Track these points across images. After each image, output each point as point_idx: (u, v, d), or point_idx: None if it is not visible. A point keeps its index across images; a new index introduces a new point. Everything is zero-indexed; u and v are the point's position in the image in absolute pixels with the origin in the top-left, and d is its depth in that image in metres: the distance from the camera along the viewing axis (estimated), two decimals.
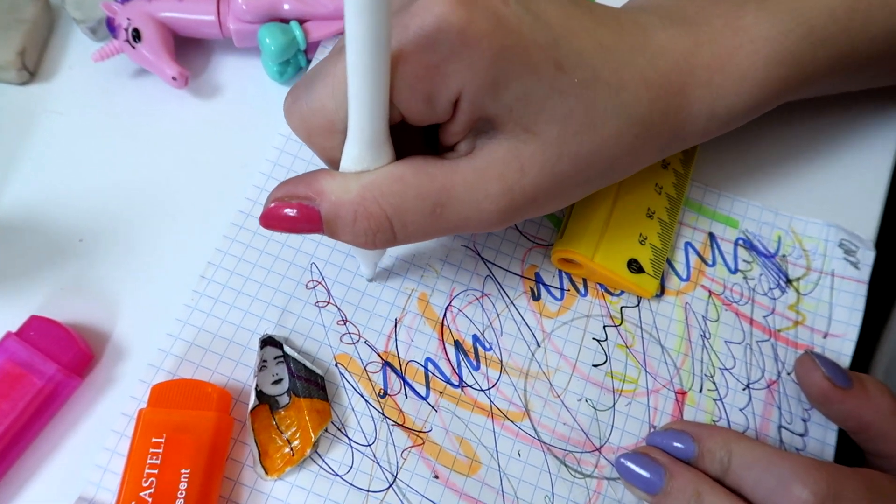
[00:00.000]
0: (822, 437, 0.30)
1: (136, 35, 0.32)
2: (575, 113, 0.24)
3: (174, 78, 0.32)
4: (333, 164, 0.24)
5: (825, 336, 0.32)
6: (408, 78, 0.21)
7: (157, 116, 0.34)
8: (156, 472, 0.25)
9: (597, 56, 0.24)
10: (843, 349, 0.31)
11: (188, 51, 0.35)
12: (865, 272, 0.32)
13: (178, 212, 0.32)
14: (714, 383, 0.30)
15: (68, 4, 0.34)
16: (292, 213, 0.23)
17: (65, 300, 0.30)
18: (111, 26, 0.33)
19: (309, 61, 0.34)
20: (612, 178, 0.27)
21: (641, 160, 0.27)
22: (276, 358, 0.29)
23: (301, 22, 0.33)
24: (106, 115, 0.34)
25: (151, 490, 0.25)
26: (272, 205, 0.24)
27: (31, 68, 0.34)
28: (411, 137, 0.25)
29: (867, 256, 0.32)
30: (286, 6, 0.33)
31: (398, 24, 0.21)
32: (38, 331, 0.28)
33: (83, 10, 0.34)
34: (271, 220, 0.24)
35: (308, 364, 0.28)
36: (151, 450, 0.25)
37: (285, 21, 0.33)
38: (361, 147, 0.22)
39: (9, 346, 0.27)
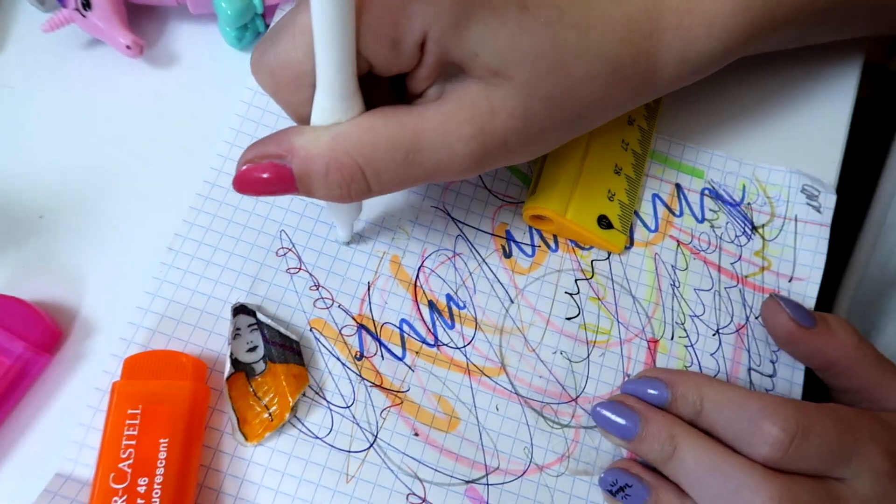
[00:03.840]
0: (790, 377, 0.31)
1: (86, 3, 0.31)
2: (543, 54, 0.24)
3: (128, 47, 0.32)
4: (303, 121, 0.24)
5: (790, 280, 0.32)
6: (372, 24, 0.21)
7: (113, 88, 0.33)
8: (133, 443, 0.25)
9: None
10: (807, 291, 0.32)
11: (141, 19, 0.34)
12: (828, 216, 0.33)
13: (141, 184, 0.31)
14: (685, 330, 0.31)
15: None
16: (264, 174, 0.23)
17: (29, 278, 0.29)
18: None
19: (267, 25, 0.33)
20: (584, 125, 0.27)
21: (613, 106, 0.27)
22: (249, 325, 0.29)
23: None
24: (60, 87, 0.33)
25: (130, 461, 0.25)
26: (244, 167, 0.23)
27: None
28: (380, 89, 0.25)
29: (829, 200, 0.33)
30: None
31: None
32: (2, 309, 0.27)
33: None
34: (243, 183, 0.23)
35: (282, 330, 0.28)
36: (128, 421, 0.25)
37: None
38: (332, 99, 0.22)
39: None
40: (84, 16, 0.31)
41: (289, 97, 0.23)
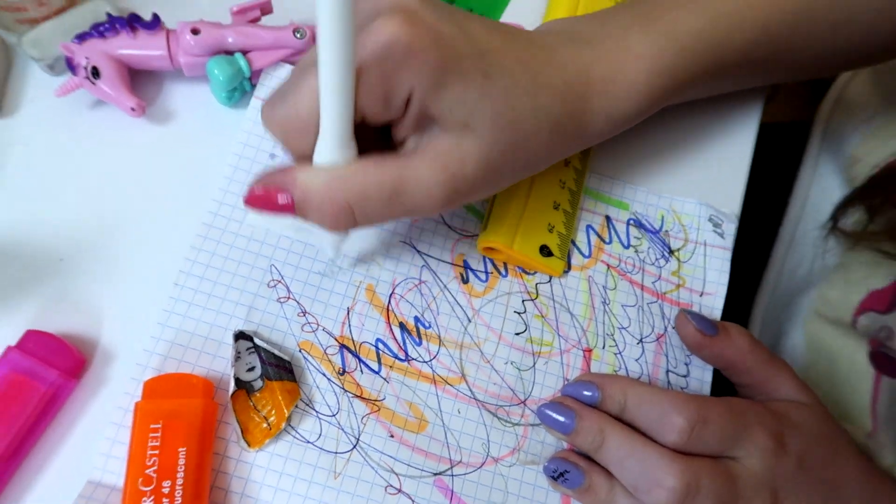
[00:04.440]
0: (701, 377, 0.37)
1: (95, 72, 0.36)
2: (502, 113, 0.29)
3: (132, 109, 0.36)
4: (304, 160, 0.29)
5: (701, 294, 0.39)
6: (368, 84, 0.27)
7: (118, 143, 0.38)
8: (157, 452, 0.30)
9: (516, 68, 0.30)
10: (715, 304, 0.38)
11: (141, 80, 0.39)
12: (729, 241, 0.39)
13: (146, 227, 0.36)
14: (614, 340, 0.37)
15: (25, 44, 0.37)
16: (271, 196, 0.28)
17: (53, 313, 0.34)
18: (70, 64, 0.36)
19: (253, 86, 0.38)
20: (532, 169, 0.33)
21: (555, 154, 0.33)
22: (247, 349, 0.34)
23: (244, 53, 0.37)
24: (70, 143, 0.37)
25: (155, 468, 0.30)
26: (257, 188, 0.29)
27: None
28: (368, 135, 0.30)
29: (730, 228, 0.40)
30: (230, 39, 0.37)
31: (358, 42, 0.26)
32: (35, 342, 0.32)
33: (40, 48, 0.37)
34: (254, 199, 0.29)
35: (276, 352, 0.33)
36: (151, 434, 0.30)
37: (230, 53, 0.37)
38: (331, 145, 0.28)
39: (11, 358, 0.31)
40: (94, 83, 0.36)
41: (295, 144, 0.29)
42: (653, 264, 0.39)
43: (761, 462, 0.31)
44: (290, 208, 0.29)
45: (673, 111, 0.41)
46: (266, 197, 0.29)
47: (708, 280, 0.39)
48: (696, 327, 0.35)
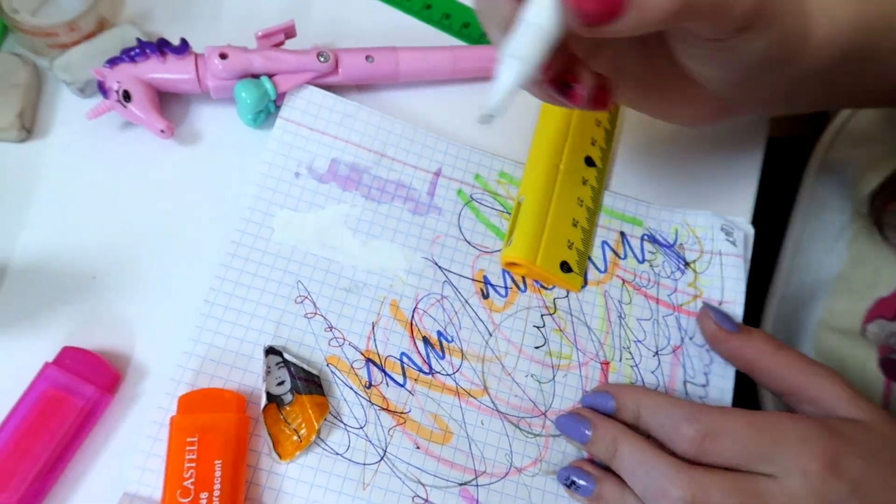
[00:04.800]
0: (722, 386, 0.38)
1: (127, 95, 0.37)
2: None
3: (162, 131, 0.37)
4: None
5: (720, 303, 0.40)
6: None
7: (147, 163, 0.39)
8: (193, 465, 0.31)
9: None
10: (735, 311, 0.39)
11: (169, 102, 0.40)
12: (741, 248, 0.40)
13: (176, 245, 0.37)
14: (631, 353, 0.38)
15: (56, 68, 0.38)
16: None
17: (87, 330, 0.35)
18: (102, 88, 0.37)
19: (278, 108, 0.40)
20: None
21: None
22: (277, 364, 0.35)
23: (270, 76, 0.38)
24: (101, 164, 0.38)
25: (192, 479, 0.30)
26: None
27: (28, 127, 0.38)
28: None
29: (740, 235, 0.41)
30: (256, 63, 0.38)
31: None
32: (72, 358, 0.33)
33: (71, 72, 0.39)
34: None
35: (305, 366, 0.35)
36: (187, 448, 0.31)
37: (256, 76, 0.38)
38: None
39: (49, 374, 0.32)
40: (125, 106, 0.37)
41: None
42: (668, 277, 0.40)
43: (804, 483, 0.30)
44: None
45: (682, 131, 0.42)
46: None
47: (726, 289, 0.40)
48: (715, 321, 0.36)
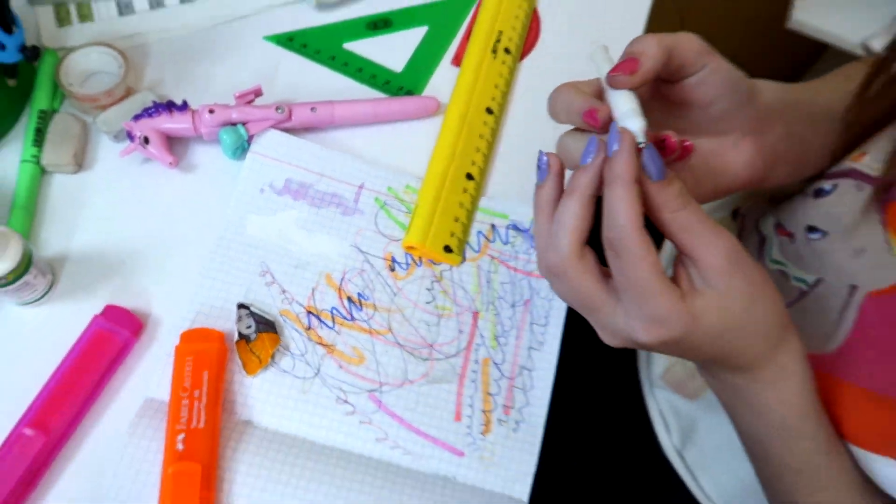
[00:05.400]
0: (556, 325, 0.54)
1: (146, 140, 0.55)
2: None
3: (170, 163, 0.55)
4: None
5: None
6: None
7: (160, 185, 0.57)
8: (189, 373, 0.48)
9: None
10: None
11: (174, 144, 0.58)
12: None
13: (179, 241, 0.55)
14: (494, 306, 0.55)
15: (98, 122, 0.57)
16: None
17: (121, 295, 0.52)
18: (130, 136, 0.55)
19: (250, 145, 0.57)
20: None
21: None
22: (246, 314, 0.52)
23: (244, 123, 0.56)
24: (128, 187, 0.56)
25: (188, 382, 0.47)
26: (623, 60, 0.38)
27: (80, 163, 0.56)
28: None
29: None
30: (234, 115, 0.56)
31: None
32: (111, 313, 0.50)
33: (108, 125, 0.57)
34: (622, 65, 0.37)
35: (265, 315, 0.51)
36: (186, 365, 0.48)
37: (234, 124, 0.56)
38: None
39: (97, 322, 0.50)
40: (144, 147, 0.55)
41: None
42: (525, 253, 0.57)
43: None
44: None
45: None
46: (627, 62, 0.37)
47: None
48: (643, 165, 0.35)
